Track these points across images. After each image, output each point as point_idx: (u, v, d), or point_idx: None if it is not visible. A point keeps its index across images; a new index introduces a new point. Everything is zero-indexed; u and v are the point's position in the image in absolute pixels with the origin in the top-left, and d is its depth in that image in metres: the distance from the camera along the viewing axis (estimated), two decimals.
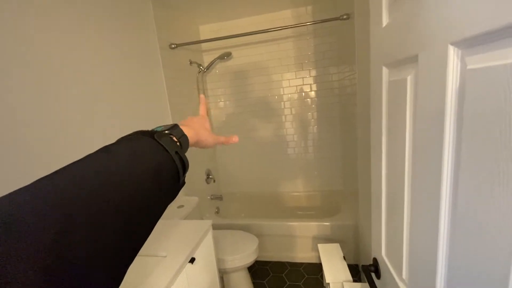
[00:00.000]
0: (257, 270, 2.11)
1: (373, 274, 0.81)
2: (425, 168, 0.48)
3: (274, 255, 2.22)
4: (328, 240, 2.03)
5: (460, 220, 0.39)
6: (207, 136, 0.46)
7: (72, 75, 1.15)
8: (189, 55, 2.34)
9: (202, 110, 0.55)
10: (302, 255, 2.16)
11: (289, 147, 2.69)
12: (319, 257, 2.11)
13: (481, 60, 0.33)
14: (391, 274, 0.68)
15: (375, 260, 0.81)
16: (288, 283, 1.94)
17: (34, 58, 0.99)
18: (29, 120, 0.95)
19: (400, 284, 0.63)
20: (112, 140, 0.32)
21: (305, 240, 2.13)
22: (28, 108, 0.95)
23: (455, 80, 0.38)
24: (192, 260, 1.12)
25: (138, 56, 1.63)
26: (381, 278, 0.77)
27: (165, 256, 1.09)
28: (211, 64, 2.48)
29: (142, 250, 1.07)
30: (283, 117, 2.62)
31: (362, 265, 0.81)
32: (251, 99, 2.65)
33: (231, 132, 2.75)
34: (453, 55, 0.38)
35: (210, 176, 2.57)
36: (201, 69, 2.46)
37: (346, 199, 2.36)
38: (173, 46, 2.00)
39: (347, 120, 2.40)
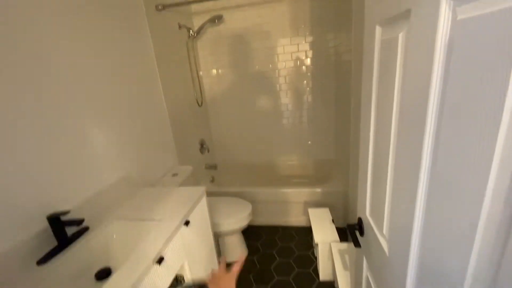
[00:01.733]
0: (251, 233, 2.23)
1: (357, 232, 0.86)
2: (410, 126, 0.48)
3: (267, 219, 2.33)
4: (318, 205, 2.12)
5: (437, 181, 0.41)
6: None
7: (54, 44, 1.08)
8: (177, 18, 2.21)
9: (235, 268, 0.58)
10: (294, 219, 2.27)
11: (284, 116, 2.67)
12: (309, 221, 2.22)
13: (470, 10, 0.32)
14: (373, 231, 0.73)
15: (359, 219, 0.85)
16: (280, 244, 2.06)
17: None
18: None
19: (381, 239, 0.67)
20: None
21: (296, 206, 2.22)
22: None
23: (445, 33, 0.37)
24: (187, 223, 1.17)
25: (123, 20, 1.53)
26: (364, 235, 0.82)
27: (160, 220, 1.13)
28: (201, 28, 2.36)
29: (137, 215, 1.11)
30: (278, 85, 2.57)
31: (348, 224, 0.86)
32: (244, 66, 2.57)
33: (225, 99, 2.71)
34: (444, 7, 0.36)
35: (204, 146, 2.58)
36: (191, 34, 2.34)
37: (338, 167, 2.42)
38: (160, 7, 1.87)
39: (341, 89, 2.37)
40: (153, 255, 0.91)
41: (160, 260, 0.93)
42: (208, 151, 2.70)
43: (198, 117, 2.53)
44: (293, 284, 1.67)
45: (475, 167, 0.33)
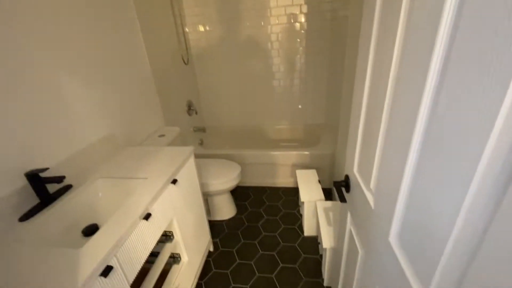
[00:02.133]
0: (239, 193, 2.28)
1: (343, 189, 0.87)
2: (409, 82, 0.45)
3: (255, 181, 2.37)
4: (306, 167, 2.16)
5: (432, 138, 0.39)
6: None
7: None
8: None
9: None
10: (281, 181, 2.33)
11: (275, 78, 2.57)
12: (296, 182, 2.28)
13: None
14: (360, 186, 0.73)
15: (346, 176, 0.86)
16: (267, 203, 2.13)
17: None
18: None
19: (367, 194, 0.68)
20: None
21: (284, 168, 2.25)
22: None
23: None
24: (174, 181, 1.16)
25: None
26: (350, 191, 0.83)
27: (146, 178, 1.11)
28: None
29: (123, 174, 1.08)
30: (269, 44, 2.42)
31: (334, 181, 0.86)
32: (234, 23, 2.37)
33: (213, 58, 2.55)
34: None
35: (192, 108, 2.50)
36: None
37: (327, 131, 2.42)
38: None
39: (336, 49, 2.26)
40: (140, 211, 0.91)
41: (147, 216, 0.93)
42: (196, 113, 2.62)
43: (184, 77, 2.40)
44: (279, 239, 1.76)
45: (476, 125, 0.30)
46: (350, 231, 0.86)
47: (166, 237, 1.21)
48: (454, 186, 0.35)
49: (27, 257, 0.74)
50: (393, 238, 0.54)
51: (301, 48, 2.39)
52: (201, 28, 2.44)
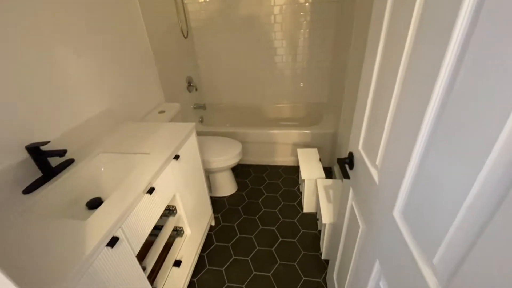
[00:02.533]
0: (240, 171, 2.30)
1: (346, 166, 0.87)
2: (428, 51, 0.42)
3: (256, 159, 2.38)
4: (307, 146, 2.16)
5: (447, 119, 0.37)
6: None
7: None
8: None
9: None
10: (282, 159, 2.34)
11: (277, 54, 2.49)
12: (297, 161, 2.30)
13: None
14: (364, 163, 0.73)
15: (350, 153, 0.86)
16: (267, 181, 2.16)
17: None
18: None
19: (372, 169, 0.68)
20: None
21: (285, 147, 2.25)
22: None
23: None
24: (176, 157, 1.16)
25: None
26: (354, 168, 0.83)
27: (149, 153, 1.10)
28: None
29: (125, 149, 1.06)
30: (272, 17, 2.31)
31: (338, 158, 0.86)
32: None
33: (213, 31, 2.45)
34: None
35: (192, 84, 2.44)
36: None
37: (329, 110, 2.39)
38: None
39: (343, 23, 2.17)
40: (144, 186, 0.91)
41: (150, 190, 0.94)
42: (196, 90, 2.57)
43: (184, 51, 2.32)
44: (279, 215, 1.81)
45: (496, 101, 0.29)
46: (352, 206, 0.87)
47: (169, 211, 1.23)
48: (468, 162, 0.34)
49: (33, 227, 0.75)
50: (397, 212, 0.54)
51: (305, 22, 2.29)
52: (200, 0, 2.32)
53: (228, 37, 2.46)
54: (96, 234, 0.72)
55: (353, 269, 0.88)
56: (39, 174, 0.98)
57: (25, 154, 0.94)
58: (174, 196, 1.21)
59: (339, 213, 1.07)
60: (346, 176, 0.83)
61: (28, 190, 0.91)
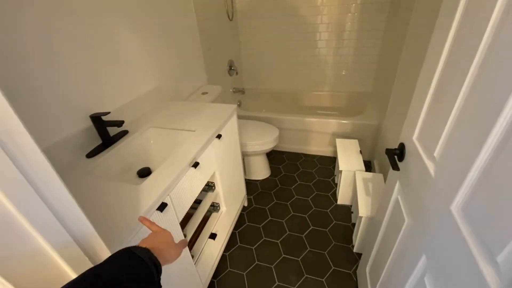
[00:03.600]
0: (274, 157, 2.31)
1: (396, 157, 0.82)
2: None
3: (291, 146, 2.37)
4: (346, 137, 2.08)
5: None
6: (169, 250, 0.49)
7: None
8: None
9: (153, 228, 0.54)
10: (318, 149, 2.29)
11: (321, 39, 2.39)
12: (333, 152, 2.23)
13: None
14: (418, 154, 0.69)
15: (401, 144, 0.81)
16: (301, 169, 2.15)
17: None
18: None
19: (427, 162, 0.64)
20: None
21: (322, 136, 2.20)
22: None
23: None
24: (219, 136, 1.20)
25: None
26: (404, 159, 0.79)
27: (195, 131, 1.16)
28: None
29: (172, 125, 1.13)
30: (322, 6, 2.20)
31: (387, 149, 0.82)
32: None
33: (257, 15, 2.42)
34: None
35: (233, 68, 2.47)
36: None
37: (372, 101, 2.26)
38: None
39: (399, 7, 2.00)
40: (189, 159, 0.97)
41: (195, 165, 0.99)
42: (237, 74, 2.60)
43: (228, 34, 2.34)
44: (311, 203, 1.80)
45: None
46: (397, 200, 0.83)
47: (209, 187, 1.29)
48: None
49: (97, 188, 0.85)
50: (456, 207, 0.50)
51: (354, 5, 2.14)
52: None
53: (271, 21, 2.41)
54: (148, 199, 0.79)
55: (391, 263, 0.85)
56: (99, 141, 1.09)
57: (89, 123, 1.05)
58: (214, 174, 1.26)
59: (379, 207, 1.04)
60: (395, 167, 0.79)
61: (91, 154, 1.02)
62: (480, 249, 0.43)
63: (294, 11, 2.30)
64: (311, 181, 2.01)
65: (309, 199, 1.84)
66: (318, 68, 2.54)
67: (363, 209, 1.29)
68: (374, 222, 1.09)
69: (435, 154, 0.60)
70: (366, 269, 1.15)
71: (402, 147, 0.81)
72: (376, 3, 2.08)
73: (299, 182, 2.01)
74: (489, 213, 0.42)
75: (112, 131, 1.14)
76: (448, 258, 0.52)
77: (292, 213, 1.74)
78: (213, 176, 1.28)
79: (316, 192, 1.90)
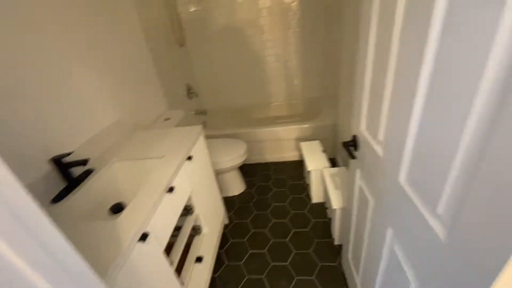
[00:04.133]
0: (247, 170, 2.36)
1: (351, 148, 0.93)
2: (414, 31, 0.49)
3: (261, 157, 2.45)
4: (309, 139, 2.22)
5: (436, 82, 0.44)
6: None
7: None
8: None
9: None
10: (286, 155, 2.41)
11: (269, 54, 2.56)
12: (301, 155, 2.36)
13: None
14: (368, 141, 0.80)
15: (354, 136, 0.92)
16: (274, 177, 2.22)
17: None
18: None
19: (375, 145, 0.75)
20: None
21: (288, 142, 2.32)
22: None
23: None
24: (189, 158, 1.22)
25: None
26: (358, 149, 0.90)
27: (163, 157, 1.16)
28: None
29: (139, 155, 1.13)
30: (262, 19, 2.38)
31: (343, 142, 0.93)
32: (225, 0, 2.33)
33: (207, 39, 2.53)
34: None
35: (192, 91, 2.51)
36: None
37: (326, 103, 2.47)
38: None
39: (333, 18, 2.26)
40: (164, 185, 0.97)
41: (171, 189, 1.00)
42: (197, 96, 2.64)
43: (181, 60, 2.39)
44: (289, 208, 1.87)
45: (471, 67, 0.36)
46: (360, 186, 0.94)
47: (187, 211, 1.29)
48: (454, 122, 0.41)
49: (70, 231, 0.81)
50: (402, 178, 0.61)
51: (293, 22, 2.37)
52: (191, 8, 2.40)
53: (221, 43, 2.53)
54: (128, 231, 0.78)
55: (367, 245, 0.94)
56: (63, 184, 1.03)
57: (51, 166, 1.00)
58: (190, 196, 1.27)
59: (348, 196, 1.14)
60: (352, 157, 0.89)
61: (56, 199, 0.96)
62: (425, 206, 0.53)
63: (241, 32, 2.46)
64: (285, 187, 2.09)
65: (286, 204, 1.91)
66: (272, 81, 2.70)
67: (335, 202, 1.39)
68: (346, 212, 1.19)
69: (380, 137, 0.71)
70: (348, 257, 1.23)
71: (355, 138, 0.92)
72: (312, 19, 2.32)
73: (274, 190, 2.08)
74: (425, 178, 0.52)
75: (78, 170, 1.09)
76: (406, 223, 0.61)
77: (273, 220, 1.79)
78: (189, 199, 1.28)
79: (291, 196, 1.98)
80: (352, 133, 0.95)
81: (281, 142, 2.34)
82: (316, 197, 1.86)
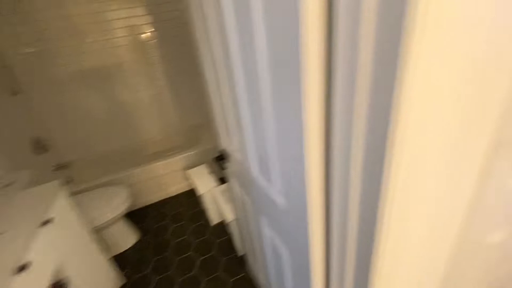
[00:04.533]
0: (138, 216, 2.13)
1: (221, 162, 1.05)
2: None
3: (150, 198, 2.27)
4: (195, 166, 2.25)
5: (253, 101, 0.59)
6: None
7: None
8: None
9: None
10: (176, 187, 2.34)
11: (137, 91, 2.49)
12: (190, 184, 2.36)
13: None
14: (232, 152, 0.92)
15: (222, 150, 1.04)
16: (170, 214, 2.11)
17: None
18: None
19: (236, 154, 0.88)
20: None
21: (175, 174, 2.28)
22: None
23: None
24: (46, 222, 1.00)
25: None
26: (229, 159, 1.02)
27: (3, 233, 0.91)
28: None
29: None
30: (119, 57, 2.31)
31: (213, 158, 1.03)
32: (71, 38, 2.10)
33: (57, 83, 2.18)
34: None
35: (41, 144, 2.06)
36: None
37: (205, 128, 2.61)
38: None
39: (192, 49, 2.45)
40: (10, 268, 0.76)
41: (23, 267, 0.79)
42: (47, 150, 2.18)
43: (17, 110, 1.94)
44: (191, 239, 1.81)
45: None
46: (238, 190, 1.05)
47: (61, 285, 1.03)
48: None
49: None
50: (255, 172, 0.75)
51: (156, 57, 2.42)
52: (27, 49, 2.02)
53: (74, 86, 2.24)
54: None
55: (256, 240, 1.06)
56: None
57: None
58: (61, 268, 1.03)
59: (236, 205, 1.24)
60: (223, 168, 1.00)
61: None
62: (271, 189, 0.67)
63: (97, 72, 2.27)
64: (183, 219, 2.02)
65: (187, 236, 1.85)
66: (145, 117, 2.60)
67: (229, 215, 1.48)
68: (240, 221, 1.29)
69: (234, 145, 0.85)
70: (250, 261, 1.33)
71: (223, 152, 1.04)
72: (173, 53, 2.45)
73: (172, 226, 1.97)
74: (266, 169, 0.67)
75: None
76: (264, 205, 0.75)
77: (177, 258, 1.68)
78: (61, 271, 1.03)
79: (192, 226, 1.93)
80: (220, 148, 1.07)
81: (169, 176, 2.26)
82: (215, 218, 1.90)
